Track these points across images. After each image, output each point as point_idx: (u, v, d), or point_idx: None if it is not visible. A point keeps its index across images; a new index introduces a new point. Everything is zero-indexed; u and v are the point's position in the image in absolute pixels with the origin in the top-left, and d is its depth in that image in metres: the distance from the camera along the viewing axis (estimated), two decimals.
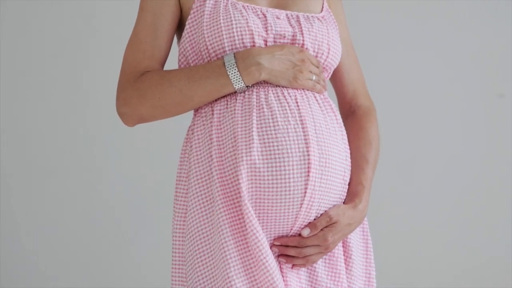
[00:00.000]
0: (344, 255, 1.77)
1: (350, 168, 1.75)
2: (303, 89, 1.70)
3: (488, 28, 3.20)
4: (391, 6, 3.20)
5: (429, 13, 3.20)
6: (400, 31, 3.20)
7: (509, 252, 3.20)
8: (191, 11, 1.72)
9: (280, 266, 1.68)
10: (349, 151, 1.76)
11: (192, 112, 1.78)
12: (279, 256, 1.68)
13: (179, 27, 1.79)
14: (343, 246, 1.78)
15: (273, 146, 1.62)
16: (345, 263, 1.77)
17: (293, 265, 1.69)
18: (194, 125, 1.74)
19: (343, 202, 1.73)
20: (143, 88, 1.69)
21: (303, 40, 1.72)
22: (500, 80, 3.21)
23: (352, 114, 1.89)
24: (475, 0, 3.19)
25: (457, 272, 3.21)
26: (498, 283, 3.19)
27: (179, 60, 1.76)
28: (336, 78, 1.91)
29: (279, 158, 1.62)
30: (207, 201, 1.66)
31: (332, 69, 1.80)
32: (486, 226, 3.21)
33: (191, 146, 1.72)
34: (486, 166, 3.22)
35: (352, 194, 1.74)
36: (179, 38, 1.80)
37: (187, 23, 1.73)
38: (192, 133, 1.73)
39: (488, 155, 3.21)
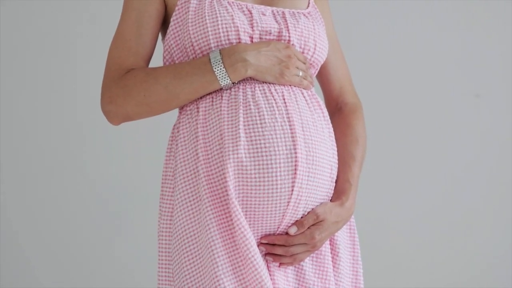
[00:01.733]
0: (331, 253, 1.76)
1: (337, 165, 1.74)
2: (290, 85, 1.69)
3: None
4: (377, 6, 3.20)
5: (422, 13, 3.21)
6: (387, 31, 3.21)
7: (509, 252, 3.20)
8: (176, 8, 1.71)
9: (267, 265, 1.67)
10: (336, 149, 1.75)
11: (177, 110, 1.76)
12: (266, 254, 1.67)
13: (164, 24, 1.77)
14: (330, 244, 1.76)
15: (260, 143, 1.61)
16: (332, 261, 1.76)
17: (280, 263, 1.68)
18: (179, 123, 1.72)
19: (330, 200, 1.72)
20: (128, 85, 1.68)
21: (289, 37, 1.71)
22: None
23: (338, 111, 1.88)
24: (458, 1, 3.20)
25: (462, 272, 3.21)
26: (498, 283, 3.19)
27: (164, 57, 1.74)
28: (323, 75, 1.90)
29: (266, 155, 1.61)
30: (193, 199, 1.65)
31: (319, 65, 1.79)
32: (489, 226, 3.21)
33: (176, 145, 1.70)
34: (485, 166, 3.22)
35: (339, 191, 1.73)
36: (163, 35, 1.78)
37: (171, 19, 1.71)
38: (178, 131, 1.71)
39: (489, 155, 3.22)
